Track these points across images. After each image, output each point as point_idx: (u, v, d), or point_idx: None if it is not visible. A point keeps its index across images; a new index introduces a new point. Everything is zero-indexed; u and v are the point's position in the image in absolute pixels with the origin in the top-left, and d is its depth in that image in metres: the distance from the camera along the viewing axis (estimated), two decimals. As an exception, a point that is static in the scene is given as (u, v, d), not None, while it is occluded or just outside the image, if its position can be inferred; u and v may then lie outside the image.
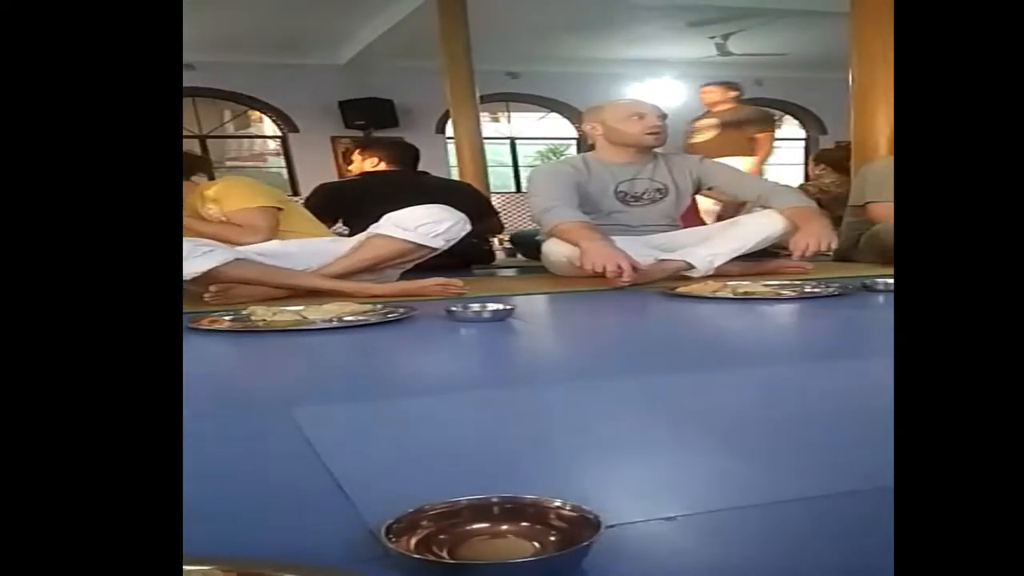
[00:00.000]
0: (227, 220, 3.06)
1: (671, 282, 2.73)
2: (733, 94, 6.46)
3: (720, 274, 2.88)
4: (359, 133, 10.53)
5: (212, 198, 3.10)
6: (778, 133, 13.19)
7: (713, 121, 6.32)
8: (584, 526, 0.64)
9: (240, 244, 2.83)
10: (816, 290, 2.48)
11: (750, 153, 6.16)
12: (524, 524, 0.67)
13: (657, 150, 3.33)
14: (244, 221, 3.03)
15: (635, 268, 2.69)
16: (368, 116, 10.75)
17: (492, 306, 2.09)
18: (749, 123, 6.32)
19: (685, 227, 3.40)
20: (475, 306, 2.10)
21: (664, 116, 3.26)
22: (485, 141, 7.92)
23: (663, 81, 11.64)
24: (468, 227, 2.92)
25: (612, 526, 0.67)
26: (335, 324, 2.01)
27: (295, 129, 11.11)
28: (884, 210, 3.50)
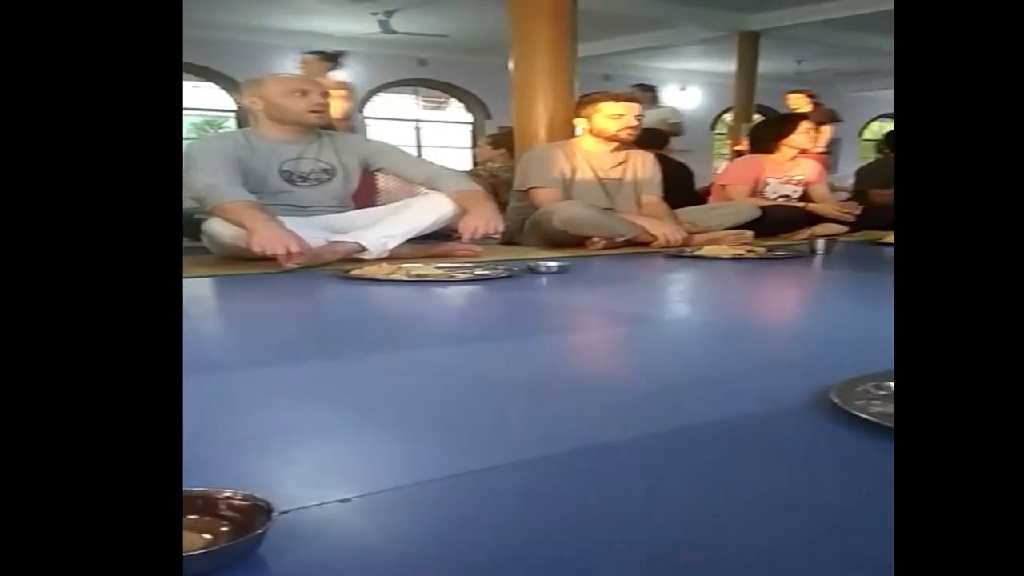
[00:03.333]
0: None
1: (344, 264, 2.72)
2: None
3: (393, 256, 2.91)
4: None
5: None
6: (444, 116, 13.55)
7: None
8: (257, 514, 0.63)
9: None
10: (486, 272, 2.59)
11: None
12: (193, 517, 0.64)
13: (322, 129, 3.28)
14: None
15: (305, 250, 2.66)
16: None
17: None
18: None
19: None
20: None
21: (326, 93, 3.22)
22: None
23: (324, 55, 11.52)
24: None
25: (286, 512, 0.67)
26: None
27: None
28: (544, 195, 3.66)
